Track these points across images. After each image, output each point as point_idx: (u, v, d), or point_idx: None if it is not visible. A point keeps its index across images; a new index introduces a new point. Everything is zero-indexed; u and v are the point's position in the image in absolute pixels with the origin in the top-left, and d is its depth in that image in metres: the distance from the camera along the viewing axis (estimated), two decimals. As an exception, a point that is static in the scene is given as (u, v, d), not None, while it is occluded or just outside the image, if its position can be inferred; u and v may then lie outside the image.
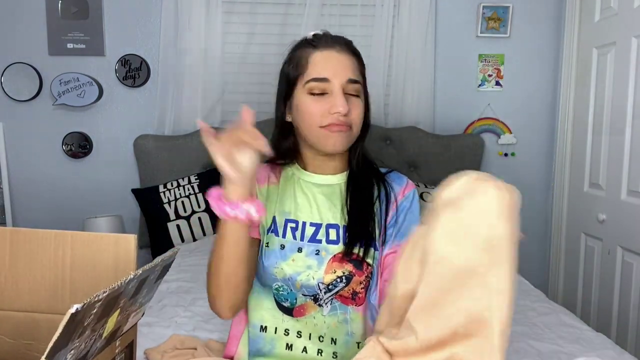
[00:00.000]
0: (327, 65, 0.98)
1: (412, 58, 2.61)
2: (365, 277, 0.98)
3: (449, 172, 2.79)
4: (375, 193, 1.05)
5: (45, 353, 0.47)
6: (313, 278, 0.96)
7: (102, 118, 2.63)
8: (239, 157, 0.86)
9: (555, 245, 2.71)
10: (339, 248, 0.99)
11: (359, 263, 0.97)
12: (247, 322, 1.05)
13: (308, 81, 0.98)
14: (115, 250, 0.76)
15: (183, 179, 2.48)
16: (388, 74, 2.63)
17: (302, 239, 1.00)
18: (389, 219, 1.03)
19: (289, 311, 1.00)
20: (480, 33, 2.67)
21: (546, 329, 1.45)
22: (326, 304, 0.98)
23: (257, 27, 2.61)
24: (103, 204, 2.64)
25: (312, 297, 0.98)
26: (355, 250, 0.98)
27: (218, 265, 0.94)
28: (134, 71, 2.60)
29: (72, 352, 0.53)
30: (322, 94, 0.98)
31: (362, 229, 1.00)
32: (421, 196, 2.42)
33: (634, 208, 2.07)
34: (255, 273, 1.03)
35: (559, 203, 2.67)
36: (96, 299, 0.52)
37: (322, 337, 0.99)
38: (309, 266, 0.97)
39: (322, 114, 0.97)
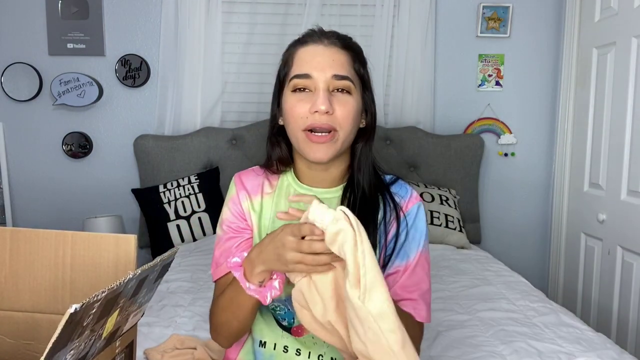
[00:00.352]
0: (310, 60, 0.90)
1: (412, 58, 2.61)
2: None
3: (449, 172, 2.80)
4: (380, 209, 0.95)
5: (45, 353, 0.47)
6: None
7: (102, 118, 2.64)
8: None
9: (555, 245, 2.71)
10: None
11: None
12: (249, 333, 1.02)
13: (291, 78, 0.91)
14: (115, 250, 0.76)
15: (183, 179, 2.48)
16: (388, 74, 2.63)
17: None
18: (389, 237, 0.94)
19: (287, 329, 0.97)
20: (480, 33, 2.67)
21: (546, 329, 1.45)
22: None
23: (257, 27, 2.61)
24: (103, 204, 2.64)
25: None
26: None
27: (229, 322, 0.92)
28: (134, 71, 2.60)
29: (72, 352, 0.53)
30: (306, 90, 0.90)
31: None
32: (421, 196, 2.42)
33: (634, 208, 2.07)
34: None
35: (559, 203, 2.67)
36: (95, 299, 0.52)
37: (322, 356, 0.95)
38: None
39: (302, 114, 0.89)
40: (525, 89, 2.72)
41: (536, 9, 2.68)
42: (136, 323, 0.74)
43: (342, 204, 0.95)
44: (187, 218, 2.38)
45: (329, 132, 0.89)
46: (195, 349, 1.26)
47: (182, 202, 2.40)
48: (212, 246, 1.55)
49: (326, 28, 0.97)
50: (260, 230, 0.98)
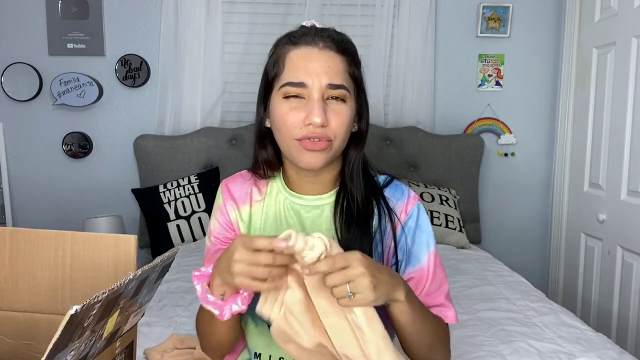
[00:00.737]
0: (304, 66, 0.84)
1: (412, 58, 2.61)
2: None
3: (449, 172, 2.80)
4: (375, 215, 0.91)
5: (45, 355, 0.47)
6: None
7: (102, 118, 2.63)
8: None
9: (555, 245, 2.71)
10: None
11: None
12: (245, 345, 0.99)
13: (283, 85, 0.85)
14: (115, 250, 0.76)
15: (183, 179, 2.48)
16: (388, 74, 2.63)
17: None
18: (387, 244, 0.91)
19: None
20: (480, 33, 2.67)
21: (546, 329, 1.45)
22: None
23: (257, 27, 2.61)
24: (103, 204, 2.64)
25: None
26: None
27: (207, 336, 0.89)
28: (134, 71, 2.60)
29: (72, 353, 0.53)
30: (298, 97, 0.85)
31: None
32: (421, 196, 2.42)
33: (634, 208, 2.07)
34: None
35: (559, 203, 2.67)
36: (95, 300, 0.52)
37: None
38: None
39: (296, 124, 0.84)
40: (525, 89, 2.72)
41: (536, 9, 2.68)
42: (136, 323, 0.74)
43: (334, 210, 0.91)
44: (187, 218, 2.38)
45: (322, 140, 0.85)
46: (194, 348, 1.26)
47: (182, 202, 2.40)
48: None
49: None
50: None
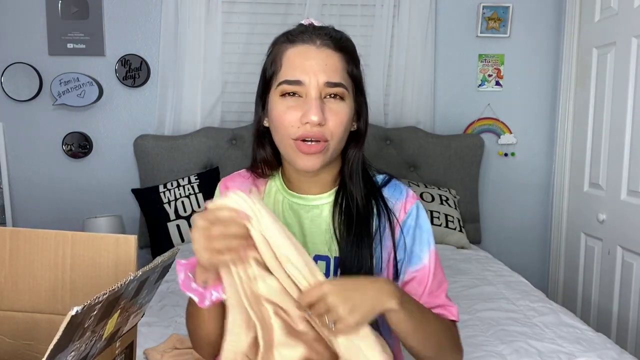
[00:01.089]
0: (301, 64, 0.83)
1: (412, 58, 2.61)
2: None
3: (449, 172, 2.79)
4: (374, 215, 0.90)
5: (46, 355, 0.47)
6: None
7: (102, 118, 2.63)
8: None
9: (555, 245, 2.71)
10: None
11: None
12: None
13: (280, 83, 0.84)
14: (115, 250, 0.76)
15: (183, 179, 2.48)
16: (388, 74, 2.63)
17: None
18: (386, 244, 0.90)
19: None
20: (480, 33, 2.67)
21: (546, 329, 1.45)
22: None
23: (257, 27, 2.61)
24: (103, 204, 2.64)
25: None
26: None
27: (195, 331, 0.88)
28: (134, 71, 2.60)
29: (73, 353, 0.53)
30: (296, 95, 0.84)
31: (357, 264, 0.86)
32: (421, 196, 2.42)
33: (634, 208, 2.07)
34: None
35: (559, 203, 2.67)
36: (96, 300, 0.52)
37: None
38: None
39: (292, 123, 0.83)
40: (525, 89, 2.72)
41: (536, 9, 2.68)
42: (136, 323, 0.74)
43: (334, 210, 0.90)
44: (187, 218, 2.38)
45: (320, 141, 0.83)
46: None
47: (182, 202, 2.40)
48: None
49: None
50: None
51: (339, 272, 0.88)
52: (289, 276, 0.73)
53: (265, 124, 0.91)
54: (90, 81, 2.53)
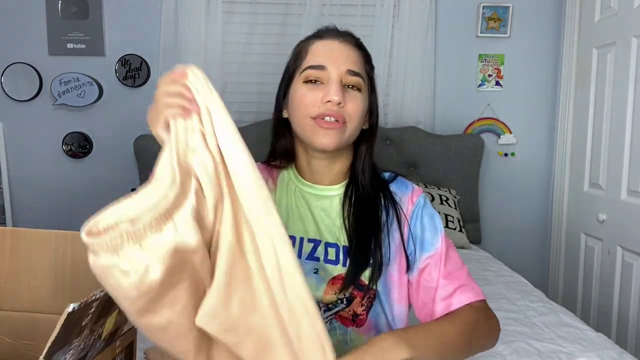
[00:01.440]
0: (326, 52, 0.90)
1: (412, 58, 2.61)
2: (368, 298, 0.91)
3: (449, 172, 2.79)
4: (382, 208, 0.94)
5: (44, 352, 0.47)
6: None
7: (102, 118, 2.63)
8: None
9: (555, 245, 2.71)
10: (338, 269, 0.91)
11: (361, 285, 0.90)
12: None
13: (305, 69, 0.90)
14: (115, 250, 0.76)
15: (183, 179, 2.47)
16: (388, 74, 2.63)
17: (299, 256, 0.92)
18: (404, 236, 0.93)
19: None
20: (480, 33, 2.66)
21: (546, 329, 1.45)
22: (325, 323, 0.93)
23: (257, 27, 2.61)
24: (103, 204, 2.62)
25: None
26: (363, 278, 0.90)
27: None
28: (134, 71, 2.60)
29: (71, 352, 0.53)
30: (318, 82, 0.89)
31: (365, 253, 0.89)
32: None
33: (634, 208, 2.07)
34: None
35: (559, 203, 2.66)
36: (93, 298, 0.52)
37: None
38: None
39: (313, 103, 0.88)
40: (525, 89, 2.72)
41: (536, 9, 2.67)
42: (136, 323, 0.74)
43: (344, 201, 0.94)
44: (187, 218, 2.38)
45: (338, 121, 0.88)
46: (195, 349, 1.26)
47: (182, 202, 2.40)
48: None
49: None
50: None
51: (347, 261, 0.91)
52: (223, 161, 0.69)
53: (285, 115, 0.96)
54: (90, 81, 2.53)
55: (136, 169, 2.62)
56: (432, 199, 2.43)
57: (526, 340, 1.36)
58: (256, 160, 1.03)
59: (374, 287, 0.90)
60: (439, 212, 2.35)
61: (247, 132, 2.56)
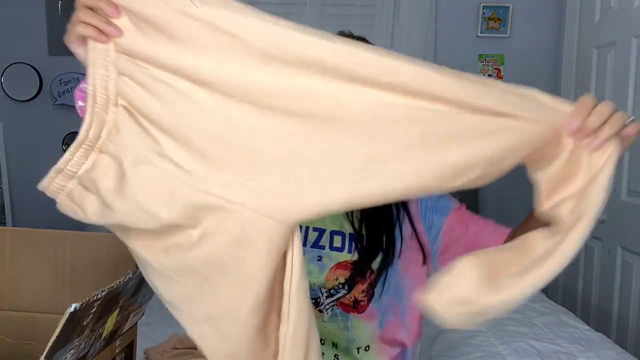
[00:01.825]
0: None
1: (412, 58, 2.61)
2: (368, 284, 0.93)
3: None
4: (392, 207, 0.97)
5: (45, 352, 0.47)
6: (314, 284, 0.94)
7: (102, 118, 2.63)
8: None
9: (555, 245, 2.71)
10: (344, 256, 0.94)
11: (362, 271, 0.93)
12: None
13: None
14: (115, 250, 0.76)
15: (183, 179, 2.48)
16: (388, 74, 2.63)
17: (304, 244, 0.94)
18: (410, 229, 0.96)
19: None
20: (480, 33, 2.66)
21: (546, 329, 1.45)
22: (327, 310, 0.95)
23: (257, 27, 2.61)
24: (103, 204, 2.63)
25: (313, 301, 0.95)
26: (373, 266, 0.92)
27: None
28: (134, 71, 2.60)
29: (72, 351, 0.53)
30: None
31: (372, 241, 0.93)
32: (421, 196, 2.42)
33: (634, 208, 2.07)
34: None
35: (559, 203, 2.66)
36: (95, 297, 0.52)
37: (324, 341, 0.96)
38: (309, 272, 0.92)
39: None
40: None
41: (536, 9, 2.67)
42: (136, 323, 0.74)
43: None
44: (187, 218, 2.38)
45: None
46: (195, 349, 1.26)
47: (182, 202, 2.40)
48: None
49: (326, 28, 0.96)
50: None
51: (353, 247, 0.94)
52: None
53: None
54: (91, 81, 2.53)
55: (136, 169, 2.62)
56: (432, 199, 2.43)
57: (526, 340, 1.36)
58: None
59: (382, 274, 0.93)
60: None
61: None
